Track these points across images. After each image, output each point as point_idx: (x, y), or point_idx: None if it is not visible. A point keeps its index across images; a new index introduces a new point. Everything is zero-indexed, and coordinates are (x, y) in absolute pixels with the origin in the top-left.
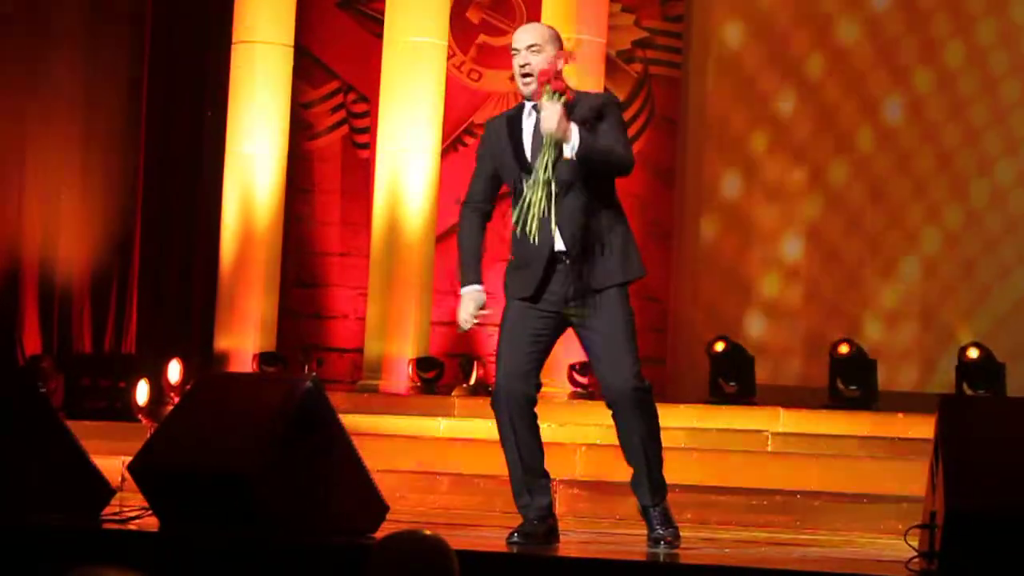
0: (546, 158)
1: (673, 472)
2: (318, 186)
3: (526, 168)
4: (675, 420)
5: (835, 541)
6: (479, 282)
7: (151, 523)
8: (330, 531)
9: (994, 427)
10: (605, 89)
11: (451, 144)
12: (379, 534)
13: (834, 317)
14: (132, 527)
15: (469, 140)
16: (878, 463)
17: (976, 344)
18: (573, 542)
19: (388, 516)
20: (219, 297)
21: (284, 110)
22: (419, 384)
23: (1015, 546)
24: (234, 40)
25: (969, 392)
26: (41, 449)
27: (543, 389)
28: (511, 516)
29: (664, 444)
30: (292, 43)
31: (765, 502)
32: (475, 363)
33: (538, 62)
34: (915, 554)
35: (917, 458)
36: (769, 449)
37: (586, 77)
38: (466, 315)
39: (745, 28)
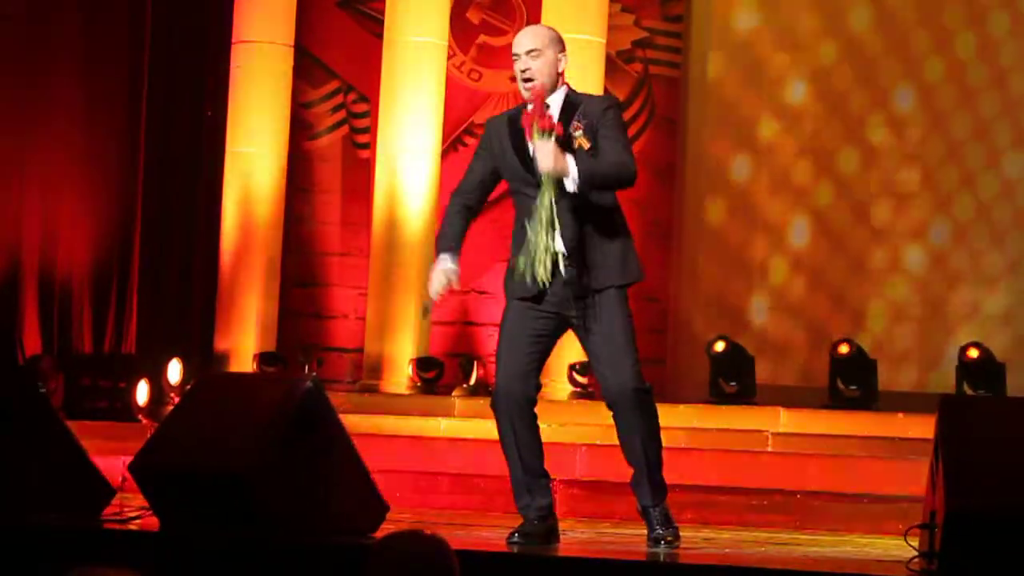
0: (547, 197)
1: (673, 472)
2: (318, 186)
3: (530, 170)
4: (675, 420)
5: (835, 541)
6: (455, 259)
7: (151, 523)
8: (330, 531)
9: (994, 427)
10: (605, 90)
11: (451, 144)
12: (379, 534)
13: (838, 308)
14: (132, 527)
15: (469, 140)
16: (878, 463)
17: (976, 344)
18: (573, 542)
19: (388, 516)
20: (219, 297)
21: (284, 110)
22: (419, 384)
23: (1015, 546)
24: (234, 40)
25: (969, 392)
26: (41, 449)
27: (543, 389)
28: (511, 516)
29: (664, 444)
30: (292, 43)
31: (765, 502)
32: (475, 363)
33: (538, 67)
34: (915, 554)
35: (917, 458)
36: (769, 449)
37: (586, 77)
38: (437, 287)
39: (745, 28)
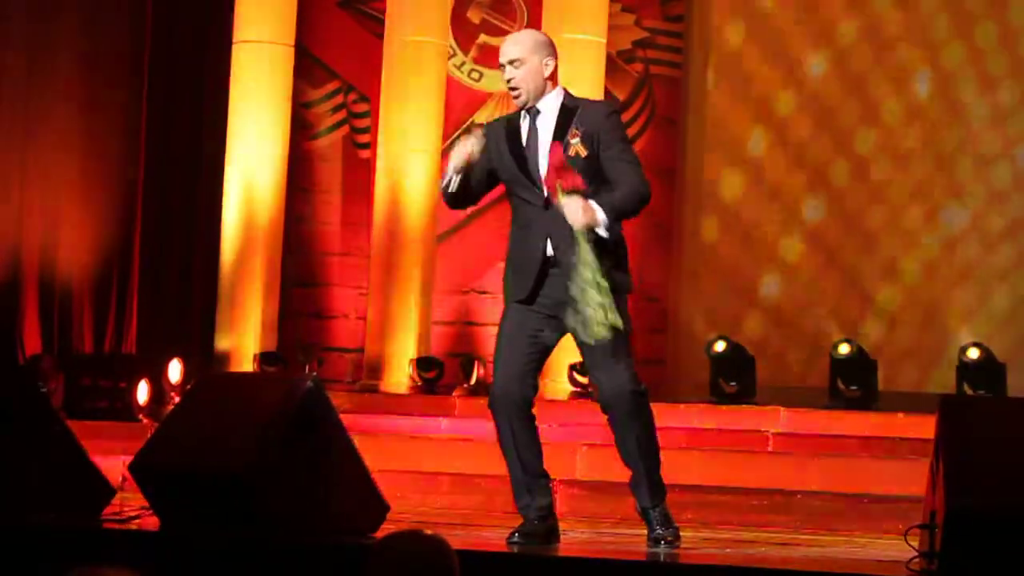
0: (586, 251)
1: (673, 472)
2: (319, 186)
3: (527, 174)
4: (675, 420)
5: (835, 541)
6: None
7: (151, 523)
8: (330, 531)
9: (994, 427)
10: (606, 90)
11: (452, 144)
12: (379, 534)
13: (838, 307)
14: (133, 527)
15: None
16: (878, 463)
17: (977, 344)
18: (574, 542)
19: (388, 516)
20: (220, 297)
21: (284, 110)
22: (420, 384)
23: (1015, 546)
24: (234, 40)
25: (969, 392)
26: (41, 449)
27: (543, 389)
28: (512, 516)
29: (664, 444)
30: (293, 43)
31: (766, 502)
32: (476, 363)
33: (521, 76)
34: (915, 554)
35: (917, 458)
36: (770, 449)
37: (587, 77)
38: (459, 157)
39: (746, 27)
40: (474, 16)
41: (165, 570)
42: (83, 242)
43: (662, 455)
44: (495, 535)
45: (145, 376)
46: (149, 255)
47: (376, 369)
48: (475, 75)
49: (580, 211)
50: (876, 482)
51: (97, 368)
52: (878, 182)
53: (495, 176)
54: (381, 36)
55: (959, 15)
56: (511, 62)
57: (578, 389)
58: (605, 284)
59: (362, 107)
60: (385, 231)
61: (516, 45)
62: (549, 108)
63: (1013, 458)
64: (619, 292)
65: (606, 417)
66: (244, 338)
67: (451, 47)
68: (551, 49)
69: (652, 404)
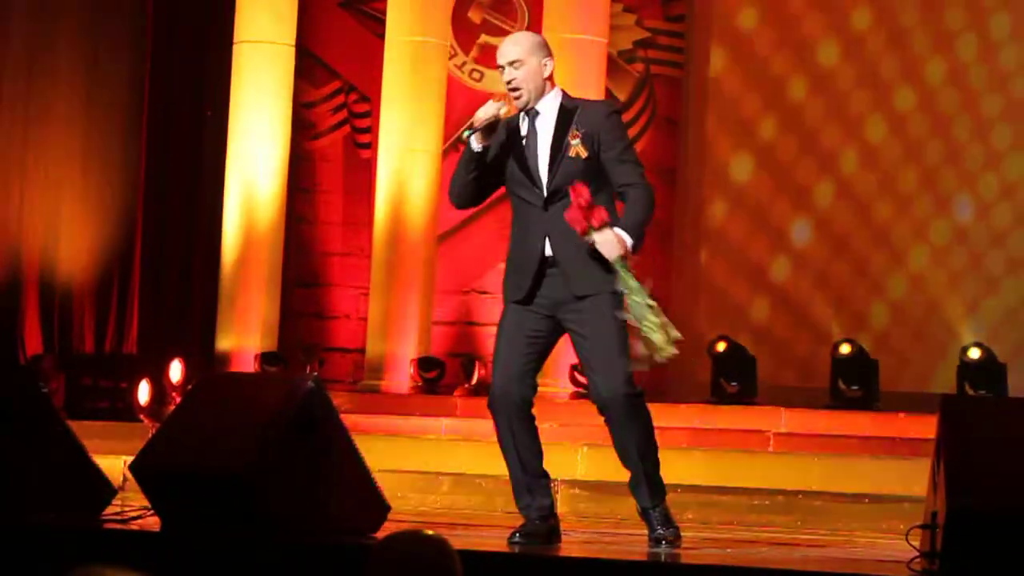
0: (629, 279)
1: (674, 472)
2: (320, 186)
3: (528, 175)
4: (677, 420)
5: (837, 541)
6: None
7: (153, 523)
8: (330, 531)
9: (995, 427)
10: (607, 91)
11: (452, 144)
12: (380, 534)
13: (839, 307)
14: (134, 527)
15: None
16: (880, 463)
17: (978, 344)
18: (575, 542)
19: (389, 516)
20: (221, 297)
21: (286, 110)
22: (421, 384)
23: (1017, 546)
24: (235, 40)
25: (971, 392)
26: (42, 449)
27: (544, 389)
28: (513, 516)
29: (665, 444)
30: (294, 43)
31: (767, 502)
32: (477, 363)
33: (522, 76)
34: (917, 554)
35: (918, 458)
36: (771, 449)
37: (588, 77)
38: (489, 111)
39: (747, 27)
40: (475, 16)
41: (166, 570)
42: (84, 242)
43: (663, 455)
44: (496, 535)
45: (146, 376)
46: (150, 255)
47: (377, 369)
48: (476, 75)
49: (615, 244)
50: (877, 482)
51: (98, 368)
52: (887, 173)
53: (501, 172)
54: (382, 36)
55: (973, 7)
56: (511, 63)
57: (579, 389)
58: (655, 303)
59: (363, 107)
60: (386, 231)
61: (515, 46)
62: (548, 109)
63: (1014, 458)
64: (618, 293)
65: (603, 418)
66: (245, 338)
67: (452, 47)
68: (549, 50)
69: (653, 405)
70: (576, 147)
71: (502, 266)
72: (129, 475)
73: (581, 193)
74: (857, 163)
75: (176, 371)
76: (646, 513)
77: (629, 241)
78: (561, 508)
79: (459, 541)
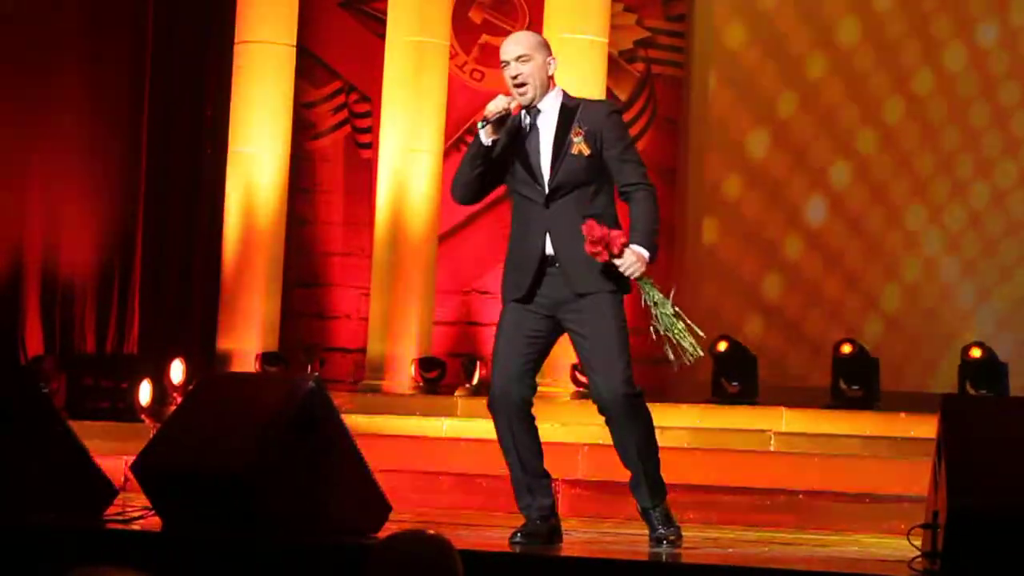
0: (654, 293)
1: (676, 472)
2: (320, 186)
3: (530, 172)
4: (678, 420)
5: (838, 541)
6: None
7: (154, 523)
8: (331, 531)
9: (997, 427)
10: (608, 90)
11: (453, 144)
12: (381, 534)
13: (840, 307)
14: (135, 527)
15: (471, 140)
16: (881, 463)
17: (979, 344)
18: (576, 542)
19: (391, 516)
20: (221, 297)
21: (286, 110)
22: (422, 384)
23: (1018, 546)
24: (236, 40)
25: (972, 392)
26: (43, 449)
27: (545, 389)
28: (514, 516)
29: (667, 444)
30: (294, 43)
31: (768, 502)
32: (478, 363)
33: (529, 71)
34: (918, 554)
35: (920, 458)
36: (772, 449)
37: (588, 77)
38: (500, 104)
39: (748, 27)
40: (475, 16)
41: (167, 570)
42: (85, 242)
43: (663, 455)
44: (497, 535)
45: (147, 376)
46: (151, 255)
47: (378, 369)
48: (477, 75)
49: (636, 265)
50: (878, 482)
51: (99, 368)
52: (879, 182)
53: (504, 169)
54: (382, 36)
55: (959, 16)
56: (518, 58)
57: (580, 389)
58: (678, 309)
59: (363, 107)
60: (387, 231)
61: (522, 42)
62: (550, 107)
63: (1015, 458)
64: (618, 292)
65: (604, 418)
66: (246, 338)
67: (453, 47)
68: (551, 50)
69: (653, 405)
70: (579, 144)
71: (503, 266)
72: (130, 475)
73: (593, 228)
74: (849, 176)
75: (177, 371)
76: (647, 513)
77: (646, 255)
78: (562, 508)
79: (460, 541)
